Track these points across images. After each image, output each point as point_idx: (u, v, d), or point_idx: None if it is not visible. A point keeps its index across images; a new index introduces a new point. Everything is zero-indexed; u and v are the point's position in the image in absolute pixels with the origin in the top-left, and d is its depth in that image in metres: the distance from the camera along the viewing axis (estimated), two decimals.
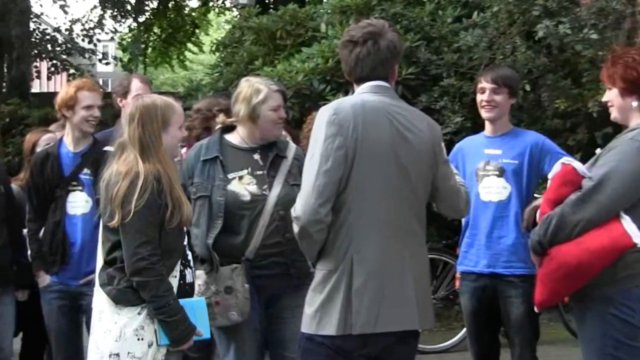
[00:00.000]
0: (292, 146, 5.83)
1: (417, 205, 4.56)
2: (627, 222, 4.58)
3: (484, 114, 6.25)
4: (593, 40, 10.06)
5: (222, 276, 5.43)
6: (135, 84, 7.10)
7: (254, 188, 5.52)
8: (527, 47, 10.19)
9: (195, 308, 4.97)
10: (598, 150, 4.90)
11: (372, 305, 4.34)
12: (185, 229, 5.04)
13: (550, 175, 4.93)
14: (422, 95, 10.37)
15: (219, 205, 5.46)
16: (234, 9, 21.68)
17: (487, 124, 6.32)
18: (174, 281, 4.88)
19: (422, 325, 4.55)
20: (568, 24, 9.99)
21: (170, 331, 4.79)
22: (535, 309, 5.08)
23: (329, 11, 11.85)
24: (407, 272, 4.45)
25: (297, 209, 4.34)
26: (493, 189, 6.10)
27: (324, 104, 9.23)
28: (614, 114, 4.91)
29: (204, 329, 4.98)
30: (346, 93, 9.93)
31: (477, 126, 6.74)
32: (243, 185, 5.52)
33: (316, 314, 4.40)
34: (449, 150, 6.56)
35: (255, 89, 5.62)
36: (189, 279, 5.03)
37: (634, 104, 4.80)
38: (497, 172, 6.11)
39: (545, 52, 10.31)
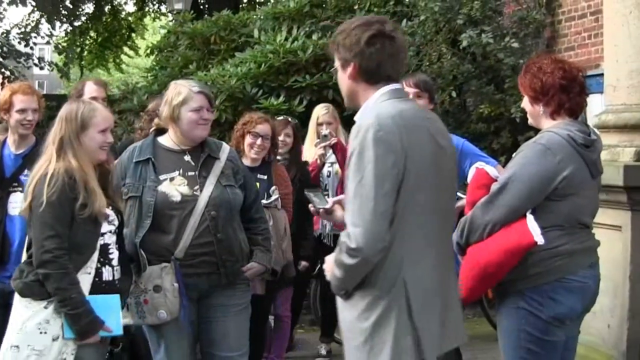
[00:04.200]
0: (226, 147, 5.78)
1: (453, 215, 4.27)
2: (530, 221, 4.63)
3: None
4: (514, 48, 10.27)
5: (151, 275, 5.41)
6: (89, 87, 7.18)
7: (185, 189, 5.48)
8: (452, 54, 10.31)
9: (108, 304, 4.97)
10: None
11: (435, 326, 3.96)
12: (104, 228, 5.06)
13: (468, 179, 5.01)
14: None
15: (149, 206, 5.43)
16: (169, 14, 21.54)
17: None
18: (87, 277, 4.91)
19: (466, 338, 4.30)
20: (491, 32, 10.17)
21: (73, 324, 4.82)
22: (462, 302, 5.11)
23: (262, 17, 11.82)
24: (453, 288, 4.17)
25: (358, 240, 3.75)
26: None
27: (257, 108, 9.31)
28: (529, 120, 5.02)
29: (114, 326, 4.99)
30: (277, 97, 9.95)
31: None
32: (174, 186, 5.48)
33: (366, 343, 3.92)
34: None
35: (176, 91, 5.58)
36: (107, 276, 5.04)
37: (542, 110, 4.89)
38: None
39: (469, 59, 10.43)
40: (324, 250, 6.99)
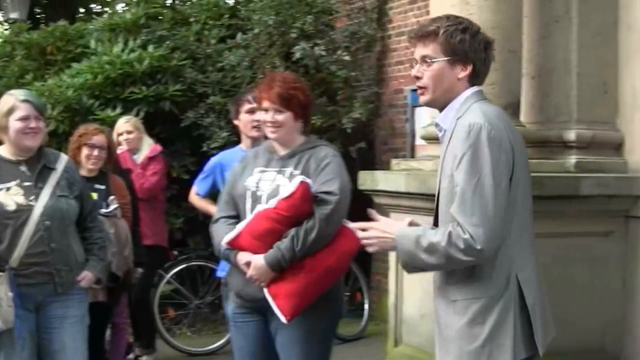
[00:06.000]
0: (64, 158, 5.70)
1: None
2: (350, 224, 4.77)
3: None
4: (346, 61, 10.40)
5: None
6: None
7: (20, 199, 5.39)
8: (285, 67, 10.34)
9: None
10: (324, 165, 5.02)
11: (544, 323, 3.85)
12: None
13: (287, 193, 4.85)
14: (189, 112, 10.33)
15: None
16: (5, 23, 21.01)
17: (248, 141, 6.39)
18: None
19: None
20: (323, 46, 10.27)
21: None
22: (286, 320, 4.91)
23: (98, 28, 11.66)
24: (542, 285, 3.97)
25: (481, 240, 3.60)
26: None
27: (94, 119, 9.17)
28: (278, 134, 5.07)
29: None
30: (114, 108, 9.84)
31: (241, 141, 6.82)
32: (10, 196, 5.38)
33: (484, 348, 3.74)
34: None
35: (4, 101, 5.54)
36: None
37: (301, 127, 5.10)
38: None
39: (302, 72, 10.47)
40: None
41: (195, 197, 7.17)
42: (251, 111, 6.34)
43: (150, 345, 8.80)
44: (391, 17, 11.16)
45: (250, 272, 4.86)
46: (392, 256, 6.71)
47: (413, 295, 6.51)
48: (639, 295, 6.36)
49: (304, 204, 4.84)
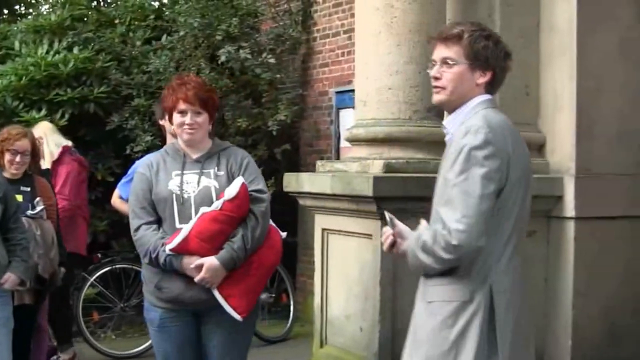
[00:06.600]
0: None
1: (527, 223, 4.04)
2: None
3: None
4: (271, 64, 10.39)
5: None
6: None
7: None
8: (211, 69, 10.30)
9: None
10: (245, 164, 5.07)
11: (515, 339, 3.78)
12: None
13: (232, 194, 4.82)
14: (114, 115, 10.22)
15: None
16: None
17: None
18: None
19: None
20: (248, 48, 10.23)
21: None
22: (241, 318, 4.90)
23: (23, 30, 11.49)
24: (525, 298, 3.95)
25: (460, 237, 3.61)
26: None
27: (18, 121, 9.02)
28: (197, 136, 5.03)
29: None
30: (39, 110, 9.70)
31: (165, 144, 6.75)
32: None
33: (450, 351, 3.73)
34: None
35: None
36: None
37: (210, 129, 5.11)
38: None
39: (228, 74, 10.45)
40: None
41: (118, 200, 7.10)
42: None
43: (67, 341, 8.63)
44: (316, 20, 11.15)
45: (202, 274, 4.77)
46: (318, 257, 6.70)
47: (338, 297, 6.50)
48: (560, 295, 6.42)
49: (245, 204, 4.86)
